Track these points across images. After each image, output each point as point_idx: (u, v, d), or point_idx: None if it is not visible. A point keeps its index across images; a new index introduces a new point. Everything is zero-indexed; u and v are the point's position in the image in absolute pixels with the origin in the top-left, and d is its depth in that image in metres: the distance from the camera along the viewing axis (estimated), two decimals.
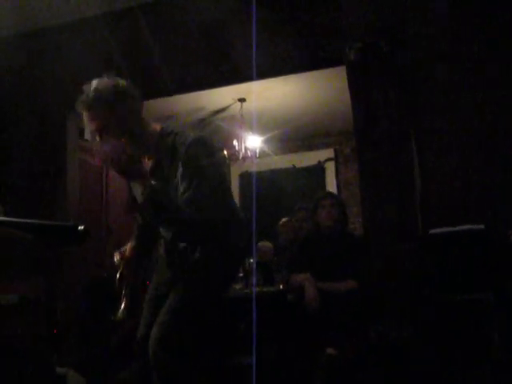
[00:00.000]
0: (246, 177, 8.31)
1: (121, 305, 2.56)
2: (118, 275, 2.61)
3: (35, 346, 2.80)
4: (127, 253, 2.65)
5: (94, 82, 2.33)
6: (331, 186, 7.90)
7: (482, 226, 3.15)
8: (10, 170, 4.52)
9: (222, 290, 2.60)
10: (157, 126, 2.47)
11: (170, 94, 4.79)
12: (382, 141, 3.65)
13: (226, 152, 6.96)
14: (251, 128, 6.82)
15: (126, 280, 2.60)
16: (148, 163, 2.45)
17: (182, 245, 2.49)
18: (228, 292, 2.82)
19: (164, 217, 2.24)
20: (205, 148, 2.32)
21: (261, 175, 8.00)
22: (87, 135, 4.90)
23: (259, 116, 6.77)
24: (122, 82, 2.35)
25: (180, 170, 2.28)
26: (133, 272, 2.62)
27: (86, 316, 4.27)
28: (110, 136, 2.23)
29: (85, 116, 2.34)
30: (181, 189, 2.26)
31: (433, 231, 3.26)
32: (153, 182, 2.21)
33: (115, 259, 2.67)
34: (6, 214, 3.62)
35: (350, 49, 3.78)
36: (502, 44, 3.56)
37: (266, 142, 7.36)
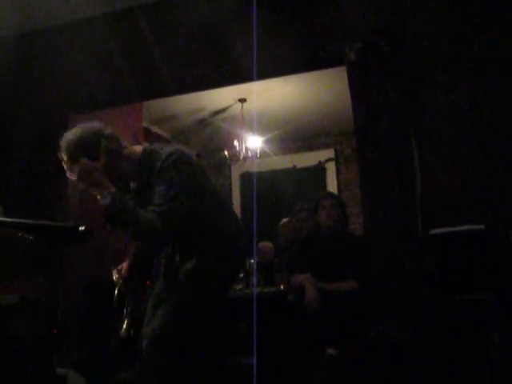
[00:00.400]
0: (246, 177, 8.32)
1: (123, 323, 2.59)
2: (115, 292, 2.63)
3: (36, 346, 2.80)
4: (124, 271, 2.68)
5: (70, 134, 2.43)
6: (332, 186, 7.91)
7: (482, 226, 3.15)
8: (10, 170, 4.52)
9: (219, 293, 2.63)
10: (138, 149, 2.55)
11: (170, 94, 4.79)
12: (383, 141, 3.65)
13: (226, 152, 6.97)
14: (252, 128, 6.83)
15: (126, 298, 2.63)
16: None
17: (178, 255, 2.55)
18: (227, 294, 2.82)
19: (121, 222, 2.32)
20: (179, 159, 2.39)
21: (261, 175, 8.00)
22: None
23: (260, 116, 6.77)
24: (95, 128, 2.44)
25: (156, 183, 2.36)
26: (131, 290, 2.65)
27: (87, 316, 4.27)
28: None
29: (66, 163, 2.43)
30: (155, 199, 2.33)
31: (433, 231, 3.26)
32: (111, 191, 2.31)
33: (114, 278, 2.68)
34: (6, 215, 3.62)
35: (350, 49, 3.77)
36: (502, 44, 3.56)
37: (267, 142, 7.37)
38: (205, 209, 2.47)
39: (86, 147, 2.37)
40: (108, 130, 2.45)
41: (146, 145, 2.57)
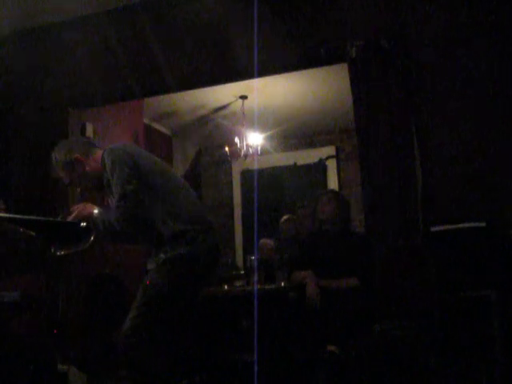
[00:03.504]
0: (247, 174, 8.31)
1: None
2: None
3: (37, 342, 2.81)
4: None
5: (53, 156, 2.90)
6: (333, 183, 7.90)
7: (483, 224, 3.15)
8: (11, 167, 4.52)
9: (183, 289, 2.71)
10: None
11: (171, 90, 4.78)
12: (384, 138, 3.65)
13: (227, 149, 6.96)
14: (252, 125, 6.81)
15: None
16: None
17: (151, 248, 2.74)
18: (196, 291, 2.90)
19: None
20: (113, 154, 2.67)
21: (262, 173, 7.99)
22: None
23: (260, 113, 6.76)
24: (69, 154, 2.83)
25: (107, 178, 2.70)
26: None
27: (88, 312, 4.27)
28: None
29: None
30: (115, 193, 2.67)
31: (434, 228, 3.26)
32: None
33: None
34: (7, 211, 3.63)
35: (352, 46, 3.77)
36: (503, 41, 3.56)
37: (268, 139, 7.36)
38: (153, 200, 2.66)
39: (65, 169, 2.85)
40: (73, 154, 2.82)
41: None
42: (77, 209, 2.76)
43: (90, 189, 2.85)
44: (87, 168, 2.80)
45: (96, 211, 2.71)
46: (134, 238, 2.80)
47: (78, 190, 2.87)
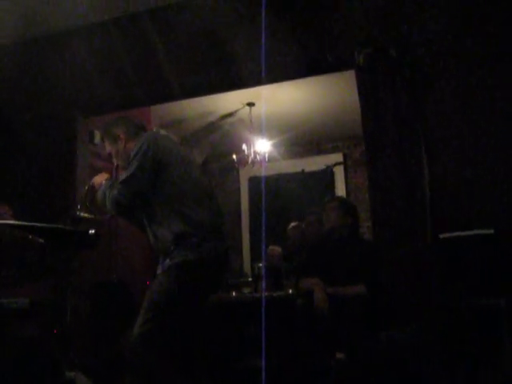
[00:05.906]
0: (254, 181, 8.31)
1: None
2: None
3: (44, 349, 2.81)
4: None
5: (104, 125, 3.14)
6: (340, 190, 7.88)
7: (491, 231, 3.14)
8: (20, 175, 4.54)
9: (188, 296, 2.66)
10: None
11: (178, 98, 4.80)
12: (392, 145, 3.64)
13: (234, 156, 6.97)
14: (260, 132, 6.82)
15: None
16: None
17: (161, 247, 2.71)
18: (204, 295, 2.85)
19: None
20: (145, 140, 2.78)
21: (269, 179, 7.99)
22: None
23: (268, 120, 6.77)
24: (115, 129, 3.00)
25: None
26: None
27: (95, 319, 4.28)
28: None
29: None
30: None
31: (443, 236, 3.25)
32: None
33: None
34: (15, 218, 3.64)
35: (359, 54, 3.77)
36: (510, 49, 3.55)
37: (275, 146, 7.36)
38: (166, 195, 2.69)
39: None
40: (118, 130, 2.99)
41: None
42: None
43: (123, 167, 2.94)
44: (127, 147, 2.92)
45: (104, 181, 2.87)
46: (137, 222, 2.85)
47: (115, 164, 3.00)
